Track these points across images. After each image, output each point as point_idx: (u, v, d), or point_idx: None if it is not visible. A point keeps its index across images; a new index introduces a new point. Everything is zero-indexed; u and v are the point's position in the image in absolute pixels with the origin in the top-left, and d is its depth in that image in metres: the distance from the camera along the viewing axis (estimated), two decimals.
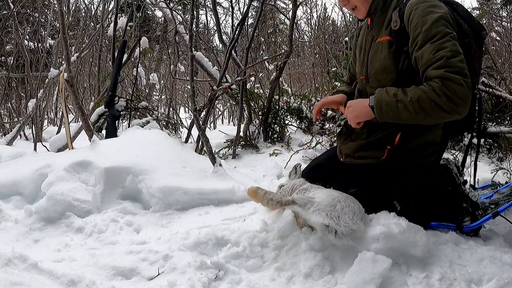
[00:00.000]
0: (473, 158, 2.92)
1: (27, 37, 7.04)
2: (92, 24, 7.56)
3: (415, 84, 1.51)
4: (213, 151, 2.43)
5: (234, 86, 3.67)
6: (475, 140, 3.34)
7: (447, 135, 1.71)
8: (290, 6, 4.47)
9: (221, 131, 4.57)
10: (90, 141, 2.46)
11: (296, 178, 1.83)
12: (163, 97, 6.82)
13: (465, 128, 1.82)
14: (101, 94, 4.70)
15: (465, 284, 1.33)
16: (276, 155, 3.32)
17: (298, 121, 4.20)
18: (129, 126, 3.25)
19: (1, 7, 6.68)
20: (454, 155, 2.84)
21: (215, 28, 5.38)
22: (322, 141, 3.54)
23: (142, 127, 3.09)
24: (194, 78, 2.83)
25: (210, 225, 1.72)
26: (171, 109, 5.35)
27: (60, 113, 7.08)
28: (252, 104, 3.83)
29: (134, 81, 3.90)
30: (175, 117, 4.39)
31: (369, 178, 1.64)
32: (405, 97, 1.50)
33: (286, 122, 4.05)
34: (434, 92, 1.45)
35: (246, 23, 5.05)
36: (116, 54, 3.33)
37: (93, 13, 7.78)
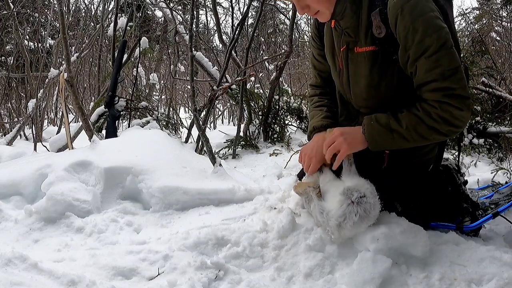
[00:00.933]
0: (473, 159, 2.92)
1: (27, 37, 7.04)
2: (92, 24, 7.57)
3: (411, 98, 1.41)
4: (213, 151, 2.43)
5: (234, 86, 3.68)
6: (475, 141, 3.35)
7: None
8: (290, 6, 4.48)
9: (221, 131, 4.57)
10: (90, 141, 2.46)
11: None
12: (163, 97, 6.82)
13: None
14: (101, 94, 4.71)
15: (465, 284, 1.32)
16: (276, 155, 3.32)
17: (298, 121, 4.21)
18: (129, 126, 3.26)
19: (1, 7, 6.67)
20: (454, 155, 2.84)
21: (215, 28, 5.39)
22: None
23: (142, 127, 3.09)
24: (194, 78, 2.83)
25: (210, 225, 1.72)
26: (171, 109, 5.36)
27: (60, 113, 7.09)
28: (252, 104, 3.83)
29: (134, 81, 3.90)
30: (175, 117, 4.39)
31: (369, 179, 1.62)
32: (399, 127, 1.39)
33: (286, 122, 4.06)
34: (431, 118, 1.35)
35: (246, 23, 5.06)
36: (116, 54, 3.33)
37: (93, 13, 7.79)
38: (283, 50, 7.68)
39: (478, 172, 2.71)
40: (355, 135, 1.47)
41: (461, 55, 1.64)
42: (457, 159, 1.93)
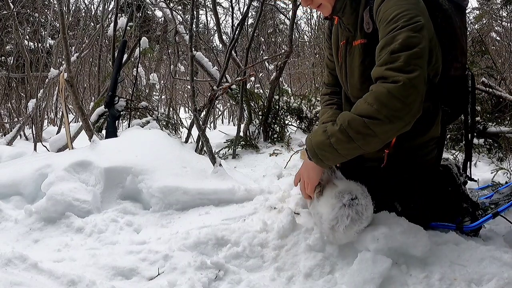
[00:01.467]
0: (473, 159, 2.91)
1: (27, 37, 7.04)
2: (92, 24, 7.57)
3: None
4: (213, 151, 2.43)
5: (234, 86, 3.68)
6: (475, 141, 3.35)
7: (444, 126, 1.62)
8: (290, 6, 4.48)
9: (221, 131, 4.57)
10: (90, 141, 2.46)
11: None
12: (163, 97, 6.82)
13: (459, 112, 1.67)
14: (101, 94, 4.71)
15: (465, 284, 1.32)
16: (276, 155, 3.32)
17: (298, 121, 4.21)
18: (129, 126, 3.25)
19: (1, 7, 6.67)
20: (454, 155, 2.84)
21: (215, 28, 5.39)
22: None
23: (142, 127, 3.09)
24: (194, 78, 2.83)
25: (210, 225, 1.72)
26: (171, 109, 5.36)
27: (60, 113, 7.09)
28: (252, 104, 3.83)
29: (134, 81, 3.90)
30: (175, 117, 4.39)
31: (369, 179, 1.63)
32: (333, 128, 1.29)
33: (286, 122, 4.06)
34: (366, 103, 1.22)
35: (246, 23, 5.06)
36: (116, 54, 3.33)
37: (93, 13, 7.80)
38: (283, 50, 7.67)
39: (478, 172, 2.71)
40: (306, 163, 1.52)
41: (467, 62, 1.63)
42: (457, 159, 1.92)
